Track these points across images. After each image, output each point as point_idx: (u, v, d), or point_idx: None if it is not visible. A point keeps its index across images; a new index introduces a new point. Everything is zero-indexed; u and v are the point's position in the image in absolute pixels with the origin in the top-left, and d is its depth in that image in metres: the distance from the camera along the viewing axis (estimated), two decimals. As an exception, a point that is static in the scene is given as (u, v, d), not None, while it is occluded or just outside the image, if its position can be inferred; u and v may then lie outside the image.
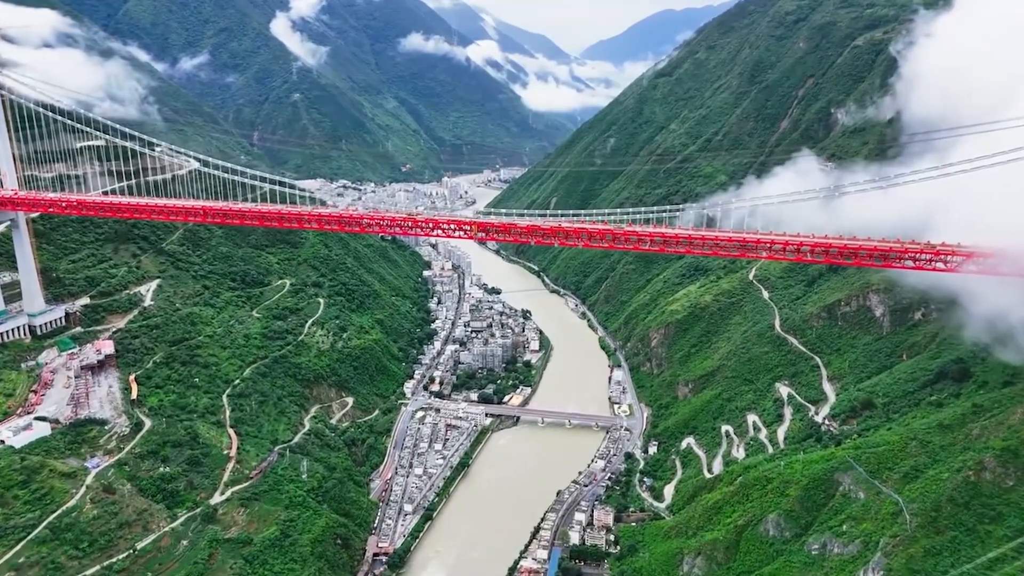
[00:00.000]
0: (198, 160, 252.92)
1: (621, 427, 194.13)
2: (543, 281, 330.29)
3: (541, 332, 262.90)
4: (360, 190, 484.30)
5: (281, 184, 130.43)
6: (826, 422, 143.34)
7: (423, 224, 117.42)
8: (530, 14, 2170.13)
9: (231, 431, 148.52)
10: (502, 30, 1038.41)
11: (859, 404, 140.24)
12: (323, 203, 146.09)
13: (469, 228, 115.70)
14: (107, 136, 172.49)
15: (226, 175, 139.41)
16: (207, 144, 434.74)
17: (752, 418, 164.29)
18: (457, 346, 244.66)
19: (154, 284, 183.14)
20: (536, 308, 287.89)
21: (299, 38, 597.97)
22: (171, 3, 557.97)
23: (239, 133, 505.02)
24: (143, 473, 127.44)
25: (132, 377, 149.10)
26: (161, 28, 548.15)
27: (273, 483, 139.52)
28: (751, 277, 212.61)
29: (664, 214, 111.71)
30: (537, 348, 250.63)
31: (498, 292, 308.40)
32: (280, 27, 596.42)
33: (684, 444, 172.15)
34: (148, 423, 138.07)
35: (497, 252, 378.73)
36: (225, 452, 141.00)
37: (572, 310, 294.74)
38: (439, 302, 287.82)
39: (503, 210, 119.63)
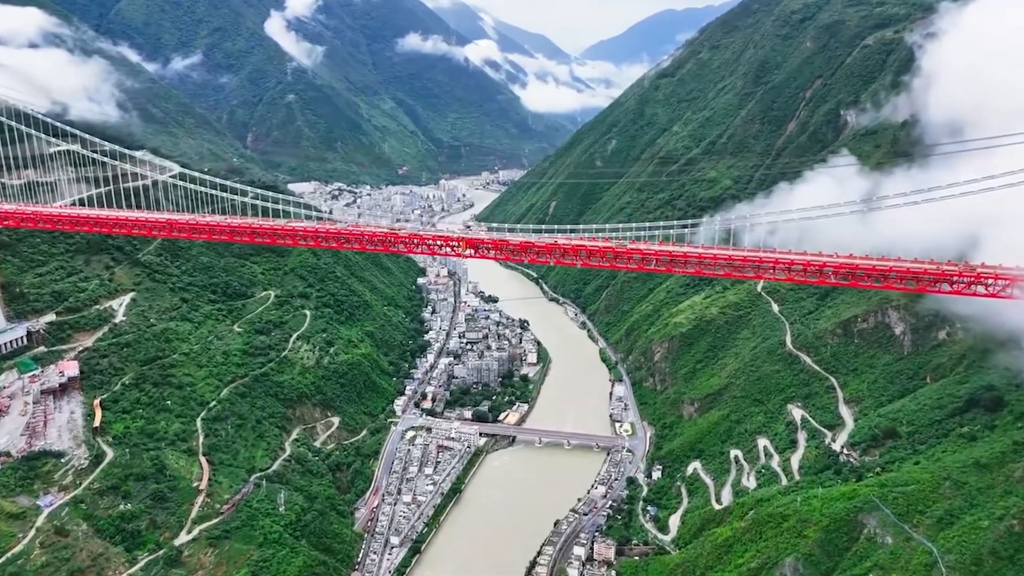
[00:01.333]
0: (181, 166, 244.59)
1: (623, 448, 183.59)
2: (542, 288, 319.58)
3: (539, 343, 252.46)
4: (355, 193, 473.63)
5: (255, 197, 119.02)
6: (845, 451, 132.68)
7: (406, 240, 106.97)
8: (530, 14, 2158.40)
9: (203, 460, 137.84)
10: (501, 30, 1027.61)
11: (881, 432, 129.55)
12: (312, 209, 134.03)
13: (456, 245, 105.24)
14: (84, 140, 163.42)
15: (198, 187, 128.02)
16: (198, 146, 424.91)
17: (763, 443, 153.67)
18: (451, 359, 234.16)
19: (127, 298, 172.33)
20: (534, 317, 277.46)
21: (294, 38, 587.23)
22: (164, 3, 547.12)
23: (232, 135, 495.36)
24: (101, 512, 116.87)
25: (97, 401, 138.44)
26: (154, 28, 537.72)
27: (246, 518, 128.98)
28: (759, 289, 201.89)
29: (671, 230, 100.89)
30: (535, 361, 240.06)
31: (495, 300, 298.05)
32: (275, 27, 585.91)
33: (690, 469, 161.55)
34: (110, 454, 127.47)
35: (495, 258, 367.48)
36: (194, 485, 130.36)
37: (572, 319, 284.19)
38: (433, 311, 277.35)
39: (495, 224, 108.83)
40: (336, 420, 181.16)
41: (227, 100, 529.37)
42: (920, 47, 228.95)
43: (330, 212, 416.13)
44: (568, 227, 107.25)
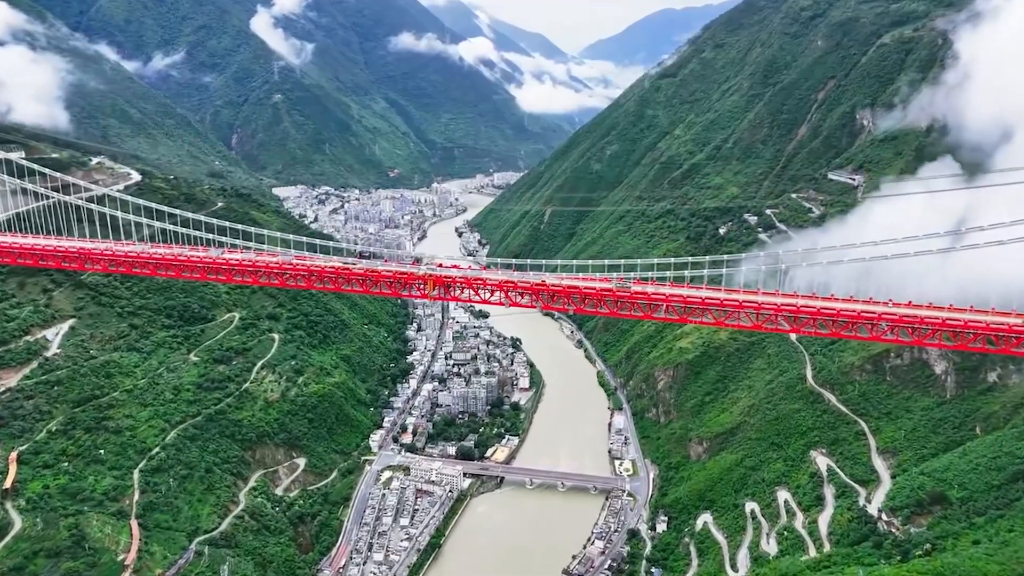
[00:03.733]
0: (141, 174, 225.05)
1: (623, 492, 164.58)
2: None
3: (532, 366, 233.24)
4: (343, 198, 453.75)
5: (181, 224, 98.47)
6: (884, 517, 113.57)
7: (360, 278, 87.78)
8: (526, 13, 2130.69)
9: (134, 524, 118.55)
10: (497, 28, 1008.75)
11: (927, 497, 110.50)
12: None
13: (423, 285, 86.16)
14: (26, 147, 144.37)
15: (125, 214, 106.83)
16: (178, 149, 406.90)
17: (783, 496, 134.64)
18: (436, 384, 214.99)
19: (65, 326, 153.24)
20: (527, 334, 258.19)
21: (282, 36, 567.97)
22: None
23: (216, 136, 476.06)
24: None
25: (13, 455, 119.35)
26: (135, 26, 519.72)
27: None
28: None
29: (686, 269, 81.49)
30: (527, 386, 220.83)
31: (485, 316, 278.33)
32: (262, 24, 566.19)
33: (700, 523, 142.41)
34: (18, 523, 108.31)
35: (487, 268, 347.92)
36: (120, 558, 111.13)
37: (568, 337, 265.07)
38: (419, 328, 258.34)
39: (470, 258, 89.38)
40: (302, 462, 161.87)
41: (211, 100, 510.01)
42: (954, 33, 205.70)
43: (315, 218, 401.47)
44: (559, 262, 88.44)
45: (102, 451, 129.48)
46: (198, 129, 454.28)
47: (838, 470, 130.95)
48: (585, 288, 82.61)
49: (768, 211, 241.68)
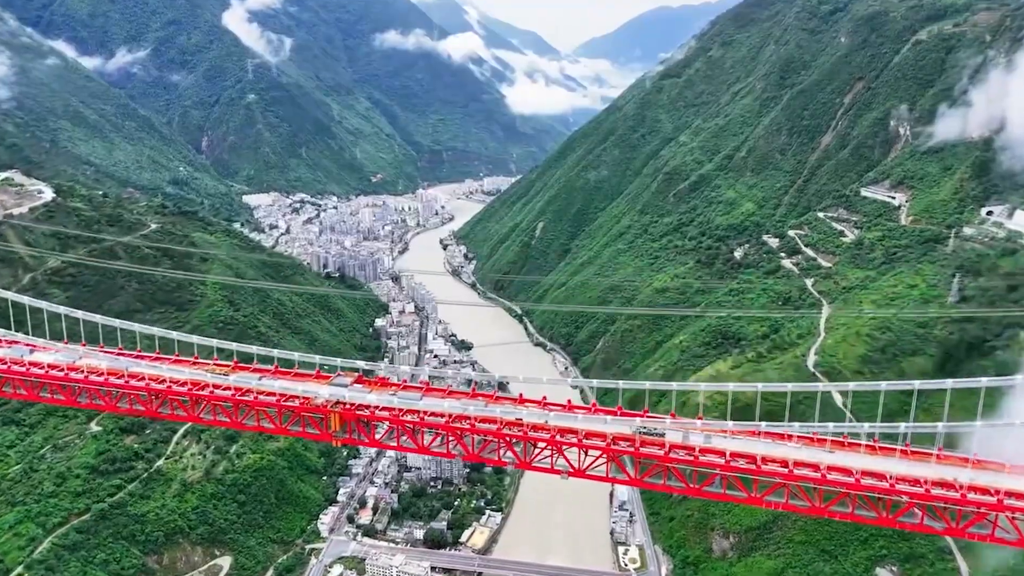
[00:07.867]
0: (56, 191, 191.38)
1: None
2: (526, 329, 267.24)
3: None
4: (319, 206, 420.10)
5: None
6: None
7: (225, 404, 55.09)
8: (518, 10, 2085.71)
9: None
10: (488, 24, 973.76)
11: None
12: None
13: (322, 419, 53.37)
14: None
15: None
16: (138, 154, 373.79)
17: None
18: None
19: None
20: (516, 370, 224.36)
21: (258, 32, 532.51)
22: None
23: (185, 139, 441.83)
24: None
25: None
26: (100, 20, 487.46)
27: None
28: (810, 364, 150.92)
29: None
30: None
31: (468, 347, 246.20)
32: (236, 19, 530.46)
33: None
34: None
35: (473, 286, 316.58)
36: None
37: (562, 374, 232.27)
38: (391, 362, 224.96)
39: (403, 368, 57.69)
40: (226, 562, 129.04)
41: (179, 101, 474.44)
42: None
43: (287, 229, 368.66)
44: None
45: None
46: (163, 132, 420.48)
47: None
48: (586, 435, 50.05)
49: (792, 232, 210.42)
